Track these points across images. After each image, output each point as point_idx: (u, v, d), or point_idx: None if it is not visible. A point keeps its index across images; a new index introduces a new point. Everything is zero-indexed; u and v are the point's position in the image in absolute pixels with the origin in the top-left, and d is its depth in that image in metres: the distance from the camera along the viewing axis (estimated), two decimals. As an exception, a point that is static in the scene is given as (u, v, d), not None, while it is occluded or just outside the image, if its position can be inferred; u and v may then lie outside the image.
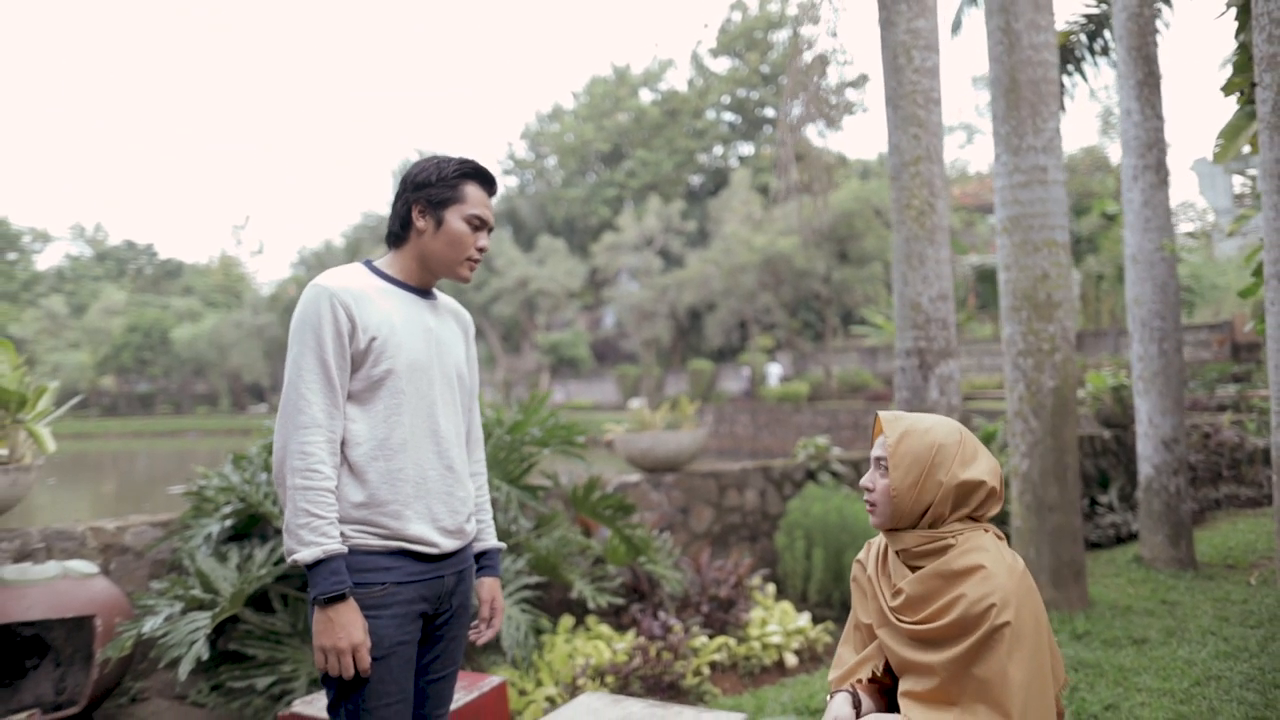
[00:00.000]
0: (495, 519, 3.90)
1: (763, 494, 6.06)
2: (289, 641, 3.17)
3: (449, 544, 1.88)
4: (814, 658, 4.49)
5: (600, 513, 4.18)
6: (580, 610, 4.55)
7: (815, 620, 5.00)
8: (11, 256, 53.08)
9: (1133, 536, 6.77)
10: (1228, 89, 4.53)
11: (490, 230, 1.98)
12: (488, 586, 2.08)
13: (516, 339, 41.28)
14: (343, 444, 1.80)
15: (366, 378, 1.82)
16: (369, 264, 1.96)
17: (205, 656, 2.82)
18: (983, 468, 1.70)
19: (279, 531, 3.55)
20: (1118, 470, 7.92)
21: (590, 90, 43.95)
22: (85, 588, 3.31)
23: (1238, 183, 19.33)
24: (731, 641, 4.21)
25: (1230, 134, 4.78)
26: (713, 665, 4.16)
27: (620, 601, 4.20)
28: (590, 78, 44.56)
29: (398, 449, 1.82)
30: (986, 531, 1.71)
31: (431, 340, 1.92)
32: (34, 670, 3.44)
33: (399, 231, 1.93)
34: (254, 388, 46.83)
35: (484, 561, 2.10)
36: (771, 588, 4.95)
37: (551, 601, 4.53)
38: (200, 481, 3.81)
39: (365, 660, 1.71)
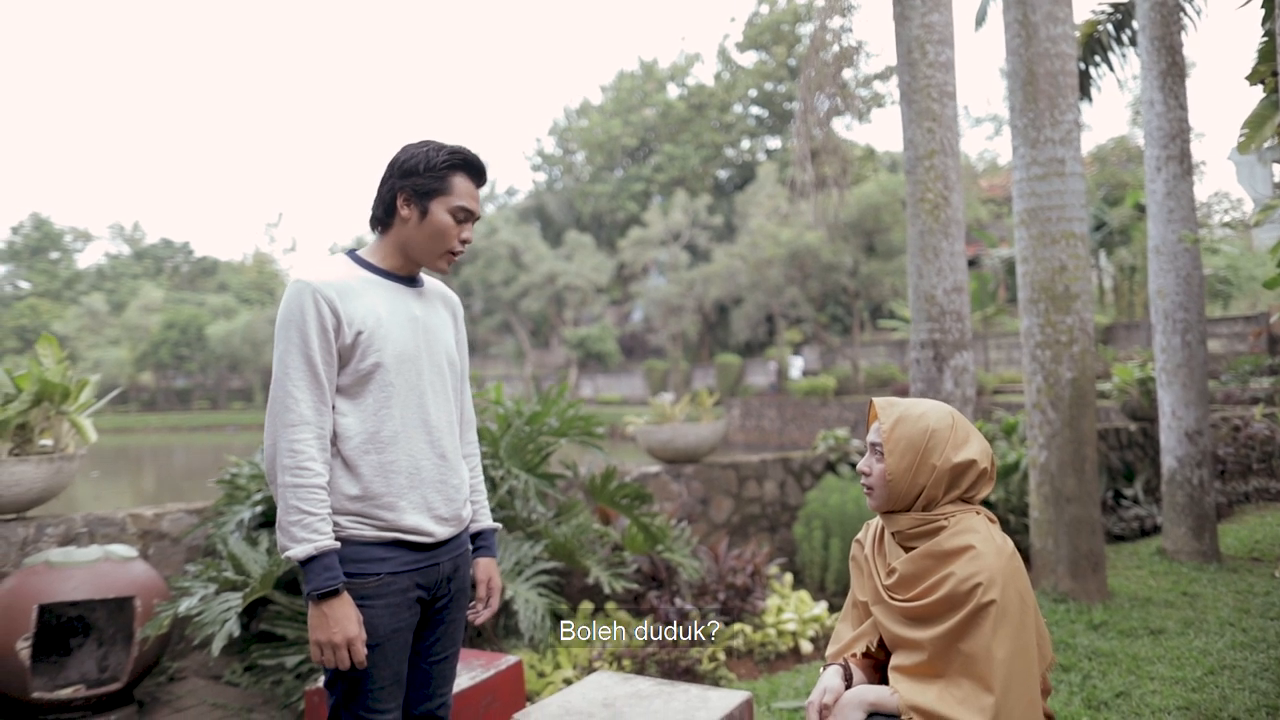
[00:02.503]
0: (514, 507, 4.01)
1: (782, 485, 6.12)
2: (292, 625, 3.31)
3: (444, 531, 1.89)
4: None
5: (618, 501, 4.27)
6: (599, 597, 4.66)
7: (832, 609, 5.06)
8: (54, 256, 54.40)
9: (1157, 529, 6.73)
10: (1252, 78, 4.50)
11: (475, 221, 1.96)
12: (483, 567, 2.09)
13: (545, 334, 41.54)
14: (334, 438, 1.81)
15: (355, 372, 1.82)
16: (352, 254, 1.94)
17: (236, 634, 2.96)
18: (974, 449, 1.76)
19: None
20: (1143, 463, 7.87)
21: (617, 85, 44.03)
22: (125, 570, 3.48)
23: (1278, 171, 18.94)
24: (748, 628, 4.29)
25: (1255, 123, 4.74)
26: (729, 651, 4.24)
27: (636, 586, 4.30)
28: (618, 73, 44.62)
29: (389, 441, 1.83)
30: (978, 514, 1.76)
31: (418, 329, 1.91)
32: (78, 649, 3.61)
33: (383, 218, 1.91)
34: (288, 383, 47.39)
35: (479, 542, 2.10)
36: (789, 577, 5.02)
37: (572, 590, 4.63)
38: (232, 470, 3.97)
39: (360, 653, 1.72)
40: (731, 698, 2.37)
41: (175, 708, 3.67)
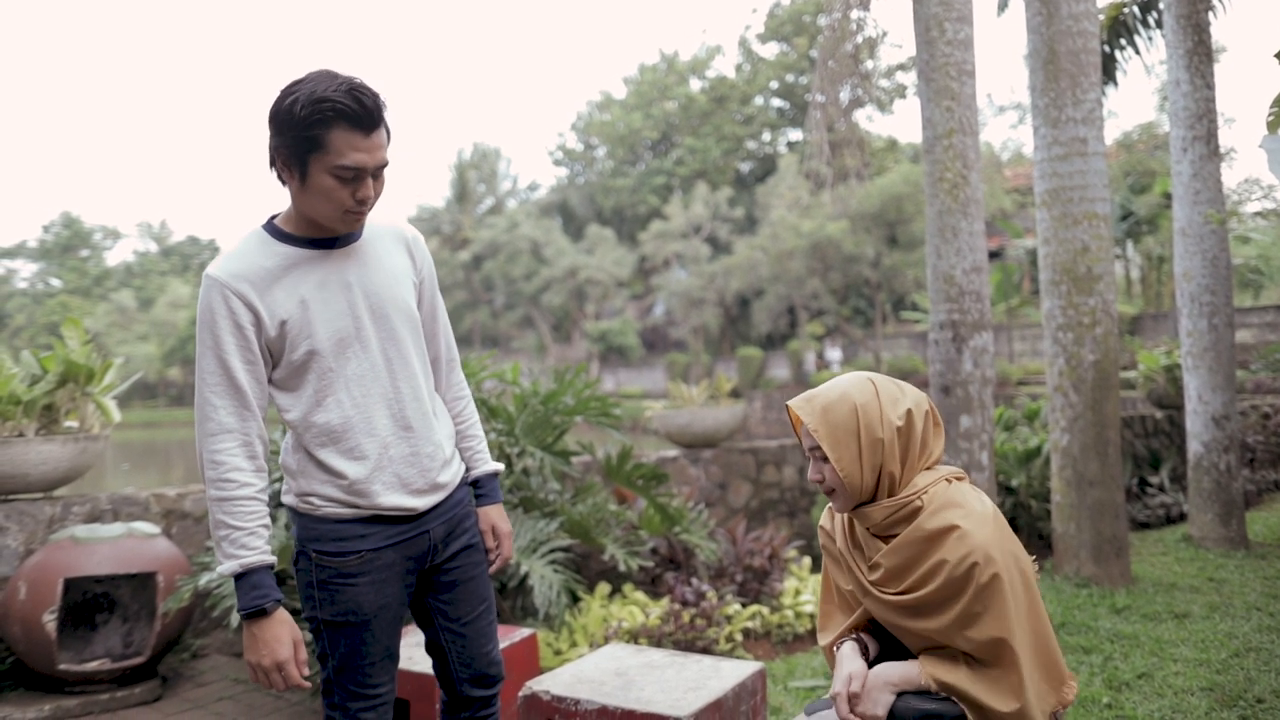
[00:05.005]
0: (530, 486, 4.03)
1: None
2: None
3: (424, 503, 1.78)
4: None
5: (634, 482, 4.28)
6: (617, 578, 4.67)
7: (851, 593, 5.04)
8: (84, 253, 55.27)
9: (1183, 517, 6.64)
10: (1281, 56, 4.42)
11: (377, 173, 1.64)
12: (484, 515, 1.96)
13: (566, 328, 41.63)
14: (297, 430, 1.72)
15: (289, 364, 1.69)
16: (269, 223, 1.74)
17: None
18: (907, 400, 1.64)
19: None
20: (1169, 451, 7.76)
21: (639, 79, 43.98)
22: (149, 546, 3.53)
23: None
24: (765, 610, 4.28)
25: (1283, 102, 4.66)
26: (746, 633, 4.23)
27: (650, 564, 4.31)
28: (639, 66, 44.56)
29: (343, 430, 1.70)
30: (949, 482, 1.64)
31: (354, 297, 1.72)
32: (104, 625, 3.67)
33: (277, 178, 1.67)
34: (312, 377, 47.96)
35: (479, 490, 1.98)
36: (807, 560, 5.00)
37: (589, 572, 4.65)
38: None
39: (293, 676, 1.63)
40: (744, 668, 2.37)
41: (198, 683, 3.73)
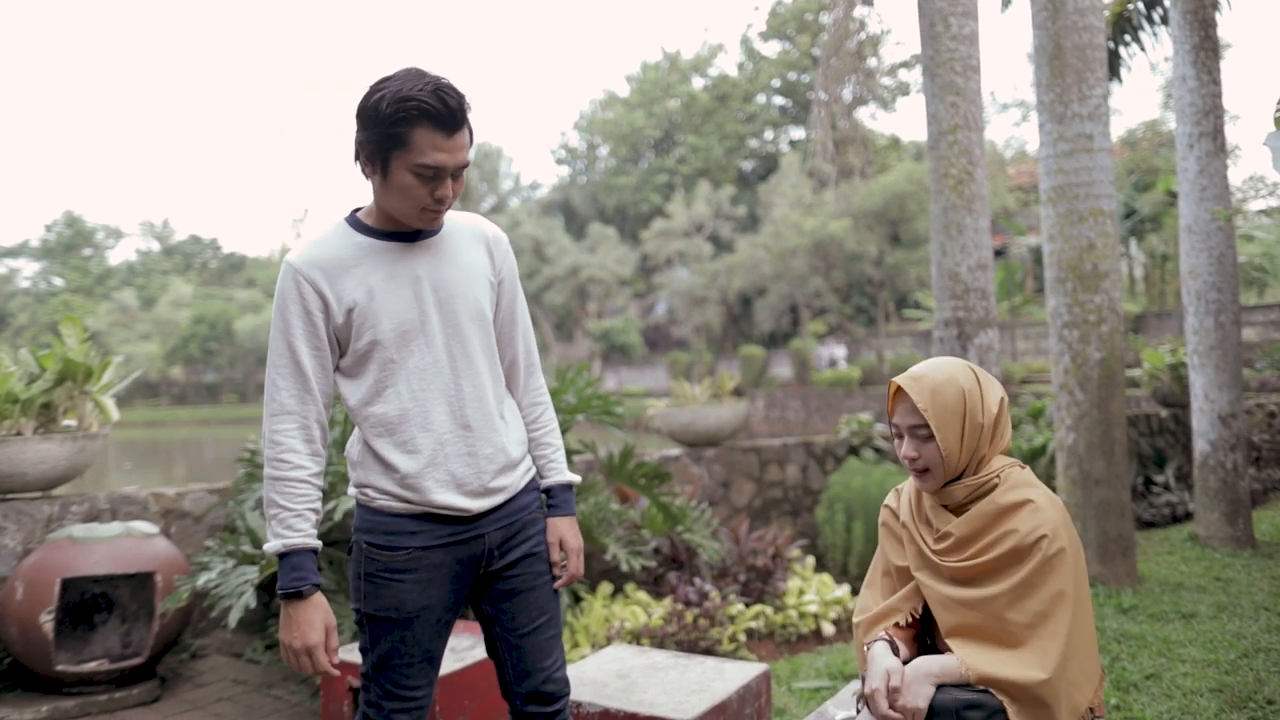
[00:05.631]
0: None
1: (804, 469, 6.07)
2: (334, 598, 3.31)
3: (479, 504, 1.74)
4: (852, 628, 4.50)
5: (636, 481, 4.25)
6: (619, 578, 4.63)
7: (854, 592, 5.00)
8: (86, 252, 55.34)
9: (1189, 516, 6.60)
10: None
11: (457, 173, 1.65)
12: (552, 527, 1.88)
13: (569, 327, 41.61)
14: (357, 419, 1.74)
15: (354, 352, 1.71)
16: (352, 215, 1.77)
17: (253, 605, 2.98)
18: (997, 387, 1.74)
19: (325, 495, 3.69)
20: (1174, 450, 7.72)
21: (641, 77, 43.95)
22: (147, 546, 3.50)
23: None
24: (768, 610, 4.25)
25: (1291, 98, 4.61)
26: (749, 633, 4.20)
27: (653, 564, 4.27)
28: (641, 64, 44.52)
29: (399, 421, 1.71)
30: (1022, 468, 1.74)
31: (423, 292, 1.72)
32: (102, 625, 3.65)
33: (362, 174, 1.70)
34: (315, 377, 47.98)
35: (551, 500, 1.91)
36: (811, 559, 4.97)
37: (591, 571, 4.62)
38: (251, 446, 3.99)
39: (321, 661, 1.64)
40: (748, 670, 2.34)
41: (197, 683, 3.70)
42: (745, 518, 5.15)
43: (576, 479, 1.97)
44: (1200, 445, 5.77)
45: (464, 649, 2.76)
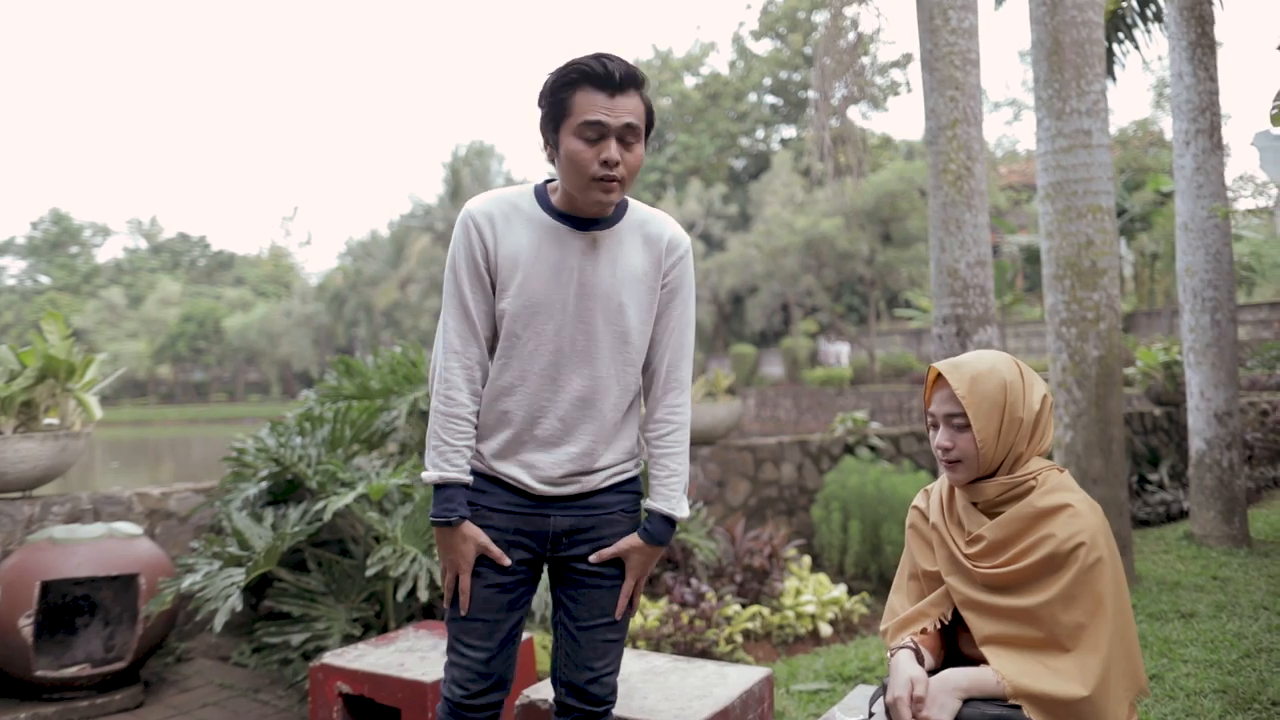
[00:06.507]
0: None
1: (800, 468, 6.02)
2: (323, 600, 3.24)
3: (546, 491, 1.75)
4: (849, 629, 4.45)
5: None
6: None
7: (851, 592, 4.96)
8: (73, 250, 54.91)
9: (1183, 514, 6.59)
10: (1284, 47, 4.36)
11: (623, 136, 1.64)
12: (630, 543, 1.80)
13: (559, 326, 41.50)
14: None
15: (497, 309, 1.76)
16: (539, 186, 1.79)
17: (239, 608, 2.90)
18: (1041, 385, 1.67)
19: (314, 494, 3.62)
20: (1168, 448, 7.71)
21: (632, 75, 43.84)
22: (130, 547, 3.42)
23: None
24: (765, 610, 4.19)
25: (1288, 95, 4.59)
26: (746, 634, 4.14)
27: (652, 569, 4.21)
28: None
29: (504, 391, 1.74)
30: (1061, 471, 1.66)
31: (568, 281, 1.71)
32: (84, 629, 3.56)
33: (549, 160, 1.75)
34: (303, 375, 47.81)
35: (647, 522, 1.83)
36: (807, 559, 4.92)
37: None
38: (238, 445, 3.91)
39: (464, 583, 1.74)
40: (750, 674, 2.28)
41: (182, 688, 3.61)
42: (741, 517, 5.10)
43: (682, 514, 1.84)
44: (1196, 444, 5.75)
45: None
